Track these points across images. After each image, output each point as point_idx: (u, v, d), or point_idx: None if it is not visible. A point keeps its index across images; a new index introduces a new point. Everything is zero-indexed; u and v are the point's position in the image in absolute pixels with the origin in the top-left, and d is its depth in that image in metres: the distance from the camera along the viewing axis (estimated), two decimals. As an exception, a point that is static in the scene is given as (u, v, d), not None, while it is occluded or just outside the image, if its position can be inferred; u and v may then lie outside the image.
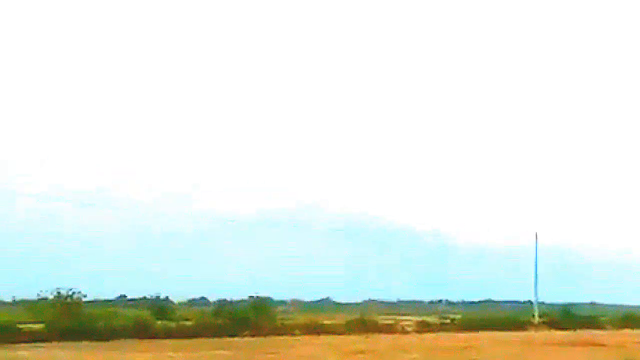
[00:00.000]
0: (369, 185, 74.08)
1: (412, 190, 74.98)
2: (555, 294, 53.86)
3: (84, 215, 51.69)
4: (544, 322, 46.54)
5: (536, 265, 48.44)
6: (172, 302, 47.23)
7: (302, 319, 40.26)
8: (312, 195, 77.68)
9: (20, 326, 31.38)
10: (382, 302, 71.33)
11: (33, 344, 27.99)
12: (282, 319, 40.14)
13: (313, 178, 73.19)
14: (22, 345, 27.70)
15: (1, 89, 64.83)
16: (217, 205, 67.41)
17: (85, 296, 35.80)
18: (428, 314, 51.72)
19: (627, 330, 43.22)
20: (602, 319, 49.76)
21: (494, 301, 72.37)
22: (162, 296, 46.12)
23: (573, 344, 31.45)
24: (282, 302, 69.23)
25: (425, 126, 76.59)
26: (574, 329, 43.16)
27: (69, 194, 53.16)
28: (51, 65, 67.11)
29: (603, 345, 30.35)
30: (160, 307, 41.74)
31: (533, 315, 47.33)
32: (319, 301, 71.96)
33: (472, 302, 75.91)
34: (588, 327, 44.52)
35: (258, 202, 72.52)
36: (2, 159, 54.70)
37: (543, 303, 53.03)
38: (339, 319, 41.49)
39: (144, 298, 48.09)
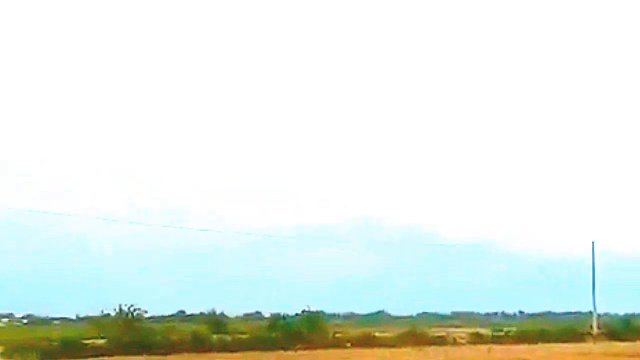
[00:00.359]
0: (422, 197, 73.71)
1: (467, 202, 74.20)
2: (615, 304, 52.29)
3: (143, 235, 53.51)
4: (602, 334, 45.27)
5: (594, 275, 47.20)
6: (227, 317, 48.35)
7: (354, 332, 40.55)
8: (366, 208, 77.78)
9: (85, 341, 32.93)
10: (436, 315, 70.93)
11: (97, 358, 29.38)
12: (334, 332, 40.52)
13: (366, 191, 73.29)
14: (87, 359, 29.11)
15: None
16: (270, 220, 68.62)
17: (145, 312, 37.26)
18: (483, 326, 51.10)
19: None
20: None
21: (553, 313, 70.73)
22: (218, 311, 47.31)
23: (632, 355, 30.71)
24: (336, 316, 69.80)
25: (477, 139, 75.72)
26: (634, 340, 41.85)
27: (128, 213, 55.31)
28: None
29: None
30: (216, 321, 42.89)
31: (591, 327, 46.09)
32: (373, 314, 71.94)
33: (531, 314, 74.40)
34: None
35: (311, 216, 73.38)
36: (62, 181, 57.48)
37: (603, 314, 51.62)
38: (392, 332, 41.57)
39: (201, 313, 49.39)
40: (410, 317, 71.94)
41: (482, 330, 45.91)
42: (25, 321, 59.71)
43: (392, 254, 70.19)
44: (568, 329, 45.86)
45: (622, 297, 52.20)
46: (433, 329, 46.44)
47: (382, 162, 73.10)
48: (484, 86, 74.97)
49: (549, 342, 40.82)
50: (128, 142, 67.34)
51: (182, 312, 56.99)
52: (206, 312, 47.66)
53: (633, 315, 49.62)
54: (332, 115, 73.39)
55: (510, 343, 41.02)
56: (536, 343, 40.25)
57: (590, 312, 47.52)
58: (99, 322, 37.26)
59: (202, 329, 39.00)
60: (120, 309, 36.11)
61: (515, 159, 75.15)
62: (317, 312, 42.38)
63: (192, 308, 56.12)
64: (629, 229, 66.20)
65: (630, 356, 30.52)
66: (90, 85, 68.18)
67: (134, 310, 36.19)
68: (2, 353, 28.96)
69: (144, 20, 70.38)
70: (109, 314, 36.95)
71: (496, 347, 35.25)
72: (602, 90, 75.56)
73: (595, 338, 44.03)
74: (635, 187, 67.72)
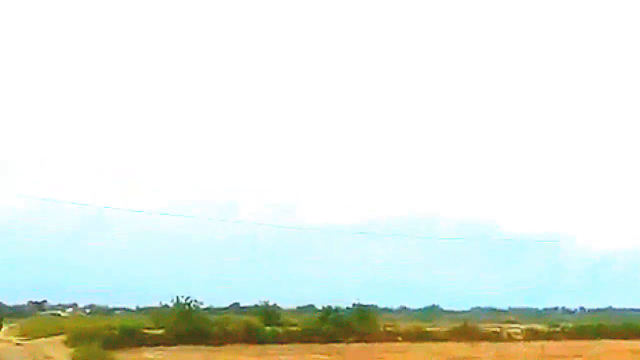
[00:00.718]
0: (482, 192, 72.64)
1: (526, 196, 72.56)
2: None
3: (202, 229, 54.83)
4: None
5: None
6: (280, 309, 49.04)
7: (405, 326, 40.57)
8: (421, 203, 77.22)
9: (144, 331, 34.23)
10: (491, 310, 69.85)
11: (155, 347, 30.55)
12: (385, 325, 40.65)
13: (421, 186, 72.76)
14: (146, 348, 30.32)
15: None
16: (325, 214, 69.09)
17: (202, 304, 38.36)
18: (541, 322, 50.10)
19: None
20: None
21: (615, 309, 68.56)
22: (271, 303, 48.03)
23: None
24: (389, 310, 69.73)
25: (534, 131, 73.88)
26: None
27: (190, 207, 56.73)
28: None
29: None
30: (268, 313, 43.61)
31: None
32: (426, 308, 71.56)
33: (591, 310, 72.33)
34: None
35: (366, 210, 73.38)
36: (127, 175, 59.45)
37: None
38: (443, 327, 41.36)
39: (255, 305, 50.27)
40: (464, 312, 71.23)
41: (538, 326, 45.08)
42: (88, 311, 62.31)
43: (447, 248, 69.59)
44: (627, 325, 44.46)
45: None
46: (487, 324, 45.94)
47: (437, 156, 72.48)
48: (536, 76, 73.21)
49: (606, 338, 39.71)
50: (189, 138, 69.21)
51: (237, 304, 58.13)
52: (260, 304, 48.49)
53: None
54: (388, 111, 73.25)
55: (566, 339, 40.19)
56: (593, 339, 39.25)
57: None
58: (158, 313, 38.61)
59: (255, 320, 39.83)
60: (178, 300, 37.33)
61: (573, 153, 73.12)
62: (368, 305, 42.63)
63: (247, 300, 57.32)
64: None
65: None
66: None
67: (191, 301, 37.35)
68: (65, 341, 30.47)
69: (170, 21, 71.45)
70: (167, 305, 38.28)
71: (551, 344, 34.60)
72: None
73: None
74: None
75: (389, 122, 73.08)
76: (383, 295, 64.22)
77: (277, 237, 60.71)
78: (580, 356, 27.12)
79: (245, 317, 41.27)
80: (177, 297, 37.29)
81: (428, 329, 39.95)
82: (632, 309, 63.54)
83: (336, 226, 63.35)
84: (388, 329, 39.86)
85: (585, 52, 74.49)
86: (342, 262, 63.18)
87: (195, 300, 37.47)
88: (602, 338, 39.52)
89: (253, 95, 73.63)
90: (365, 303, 42.11)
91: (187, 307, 37.10)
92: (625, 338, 39.32)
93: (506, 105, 73.32)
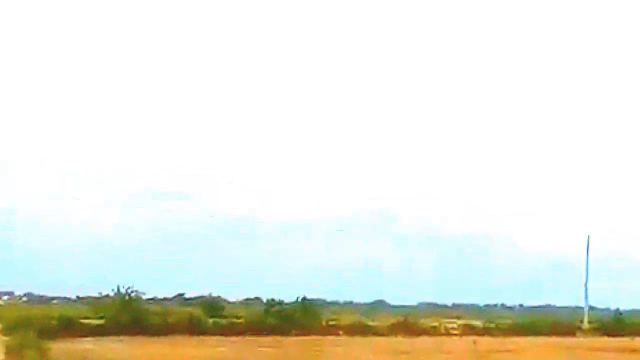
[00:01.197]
0: (430, 191, 74.06)
1: (472, 196, 74.55)
2: (610, 300, 52.89)
3: (145, 218, 54.32)
4: (594, 328, 45.84)
5: (587, 270, 48.02)
6: (225, 301, 49.10)
7: (348, 320, 41.33)
8: (371, 200, 78.19)
9: (83, 321, 33.79)
10: (436, 305, 71.77)
11: (94, 338, 30.25)
12: (328, 319, 41.30)
13: (373, 184, 73.64)
14: (85, 338, 29.98)
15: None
16: (277, 209, 69.28)
17: (144, 294, 38.05)
18: (480, 318, 51.78)
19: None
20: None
21: (552, 306, 71.28)
22: (216, 295, 48.04)
23: (618, 350, 31.34)
24: (336, 304, 70.54)
25: (479, 132, 75.74)
26: (625, 335, 42.31)
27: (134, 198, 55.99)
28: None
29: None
30: (212, 304, 43.65)
31: (581, 321, 46.72)
32: (372, 303, 72.79)
33: (530, 307, 74.95)
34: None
35: (316, 206, 73.77)
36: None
37: (602, 309, 52.32)
38: (385, 321, 42.33)
39: (199, 297, 50.16)
40: (410, 307, 72.88)
41: (476, 322, 46.59)
42: (24, 299, 60.75)
43: (395, 244, 71.02)
44: (559, 322, 46.45)
45: (616, 293, 53.05)
46: (429, 320, 47.20)
47: (387, 153, 73.42)
48: (473, 91, 74.87)
49: (540, 335, 41.34)
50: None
51: (181, 295, 57.81)
52: (205, 296, 48.43)
53: (625, 310, 50.15)
54: (350, 112, 73.46)
55: (502, 335, 41.64)
56: (527, 336, 40.82)
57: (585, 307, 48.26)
58: (98, 303, 38.11)
59: (198, 312, 39.83)
60: (118, 290, 36.92)
61: (513, 156, 75.31)
62: (312, 299, 43.17)
63: (191, 292, 57.11)
64: (623, 226, 66.64)
65: (615, 351, 31.11)
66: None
67: (132, 291, 36.99)
68: (1, 330, 29.82)
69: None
70: (107, 295, 37.78)
71: (484, 339, 35.96)
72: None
73: (586, 332, 44.59)
74: (630, 183, 67.99)
75: (347, 123, 73.53)
76: (331, 290, 65.15)
77: (228, 230, 60.79)
78: (510, 351, 28.36)
79: (188, 309, 41.21)
80: (118, 287, 36.92)
81: (369, 324, 40.80)
82: (568, 307, 66.34)
83: (287, 221, 64.02)
84: (331, 323, 40.51)
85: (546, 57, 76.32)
86: (291, 257, 63.79)
87: (136, 291, 37.19)
88: (535, 335, 41.13)
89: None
90: (311, 297, 42.73)
91: (127, 297, 36.75)
92: (558, 335, 41.06)
93: (445, 107, 74.77)
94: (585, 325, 46.26)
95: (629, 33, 73.52)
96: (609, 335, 43.56)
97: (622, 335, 42.01)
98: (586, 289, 47.70)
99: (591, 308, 50.90)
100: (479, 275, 69.00)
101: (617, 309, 49.33)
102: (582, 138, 72.81)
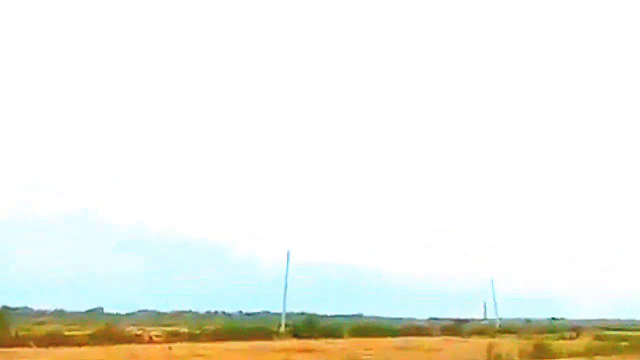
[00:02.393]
0: (151, 195, 73.67)
1: (203, 202, 76.16)
2: (305, 305, 58.99)
3: None
4: (289, 332, 50.51)
5: (286, 278, 53.48)
6: None
7: (42, 330, 39.12)
8: (84, 200, 75.12)
9: None
10: (155, 313, 71.74)
11: None
12: (18, 329, 38.69)
13: (76, 183, 70.75)
14: None
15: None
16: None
17: None
18: (197, 325, 53.18)
19: (359, 339, 48.56)
20: (346, 329, 55.13)
21: (269, 312, 76.28)
22: None
23: (299, 350, 35.22)
24: (43, 313, 66.00)
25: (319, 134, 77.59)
26: (316, 338, 47.37)
27: None
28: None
29: (323, 351, 34.55)
30: None
31: (279, 325, 51.31)
32: (89, 311, 70.08)
33: (249, 313, 79.06)
34: (330, 337, 49.08)
35: (22, 206, 68.37)
36: None
37: (299, 313, 57.87)
38: (85, 330, 41.07)
39: None
40: (129, 314, 71.64)
41: (182, 329, 47.72)
42: None
43: (112, 250, 68.98)
44: (260, 327, 50.22)
45: (311, 299, 59.59)
46: (135, 328, 46.93)
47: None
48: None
49: (241, 339, 44.00)
50: None
51: None
52: None
53: (316, 315, 56.54)
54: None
55: (206, 341, 43.34)
56: (229, 341, 43.14)
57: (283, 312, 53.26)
58: None
59: None
60: None
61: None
62: (11, 307, 40.07)
63: None
64: (321, 240, 75.14)
65: (297, 351, 34.89)
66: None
67: None
68: None
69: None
70: None
71: (184, 345, 37.27)
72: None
73: (281, 336, 48.87)
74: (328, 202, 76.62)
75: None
76: (36, 297, 60.78)
77: None
78: (200, 355, 30.01)
79: None
80: None
81: (67, 334, 39.16)
82: (278, 313, 71.61)
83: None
84: (20, 333, 37.94)
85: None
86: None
87: None
88: (236, 340, 43.51)
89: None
90: (15, 305, 39.58)
91: None
92: (258, 339, 43.95)
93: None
94: (282, 329, 50.86)
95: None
96: (301, 337, 48.36)
97: (313, 338, 47.13)
98: (284, 295, 52.89)
99: (292, 314, 56.29)
100: (201, 283, 70.98)
101: (312, 314, 55.53)
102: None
